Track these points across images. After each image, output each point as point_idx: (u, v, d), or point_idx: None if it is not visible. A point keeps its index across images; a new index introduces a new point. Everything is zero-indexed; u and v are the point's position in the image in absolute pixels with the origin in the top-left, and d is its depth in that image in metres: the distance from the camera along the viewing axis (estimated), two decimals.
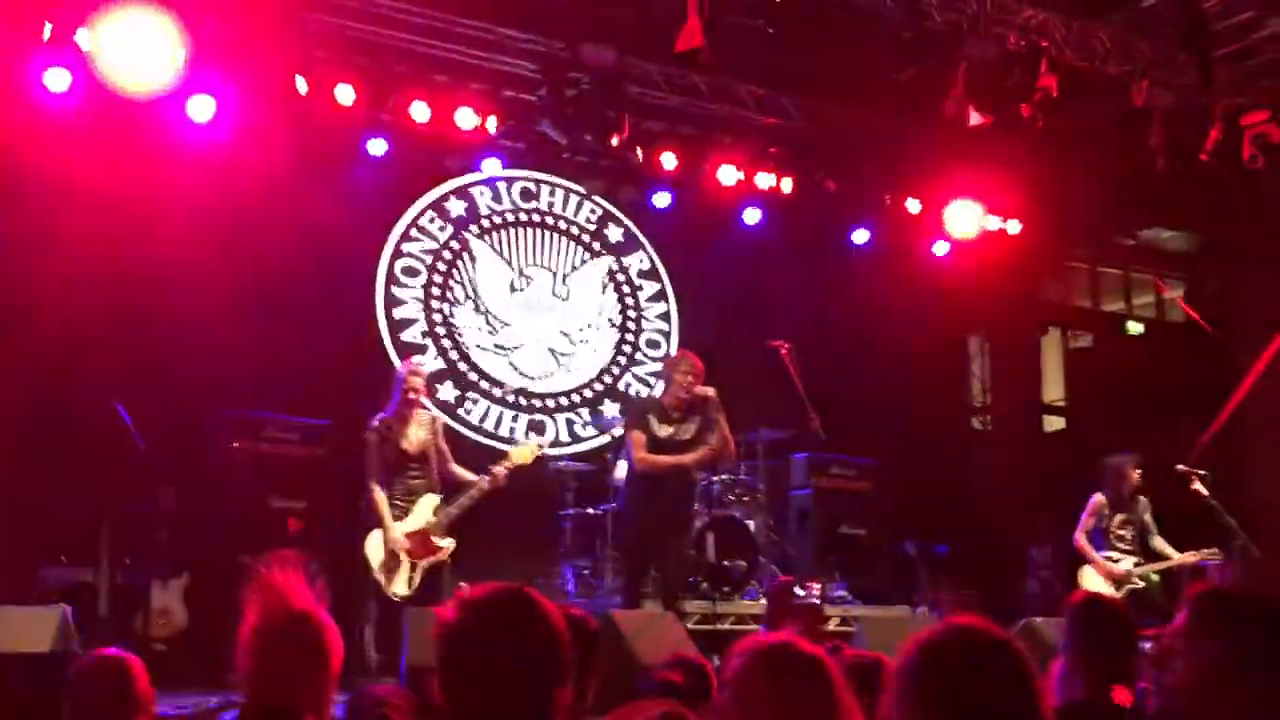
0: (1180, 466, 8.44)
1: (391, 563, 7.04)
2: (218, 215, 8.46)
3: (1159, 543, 8.41)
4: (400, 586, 6.99)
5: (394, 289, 9.86)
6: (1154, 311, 14.39)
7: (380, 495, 7.08)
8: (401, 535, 7.04)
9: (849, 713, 2.38)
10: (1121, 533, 8.39)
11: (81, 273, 7.93)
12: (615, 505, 8.58)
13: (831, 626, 8.17)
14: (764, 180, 10.29)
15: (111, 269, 8.09)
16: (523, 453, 7.43)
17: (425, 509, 7.14)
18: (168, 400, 8.11)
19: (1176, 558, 8.29)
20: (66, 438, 7.94)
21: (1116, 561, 8.31)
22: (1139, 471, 8.40)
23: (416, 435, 7.22)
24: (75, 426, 7.89)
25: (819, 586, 7.47)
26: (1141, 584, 8.25)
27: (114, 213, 8.10)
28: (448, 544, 7.12)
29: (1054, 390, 13.79)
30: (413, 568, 7.04)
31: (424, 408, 7.38)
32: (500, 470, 7.19)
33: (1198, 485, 8.32)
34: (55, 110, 7.93)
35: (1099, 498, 8.44)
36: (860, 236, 10.89)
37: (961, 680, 1.94)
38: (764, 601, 8.59)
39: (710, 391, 7.26)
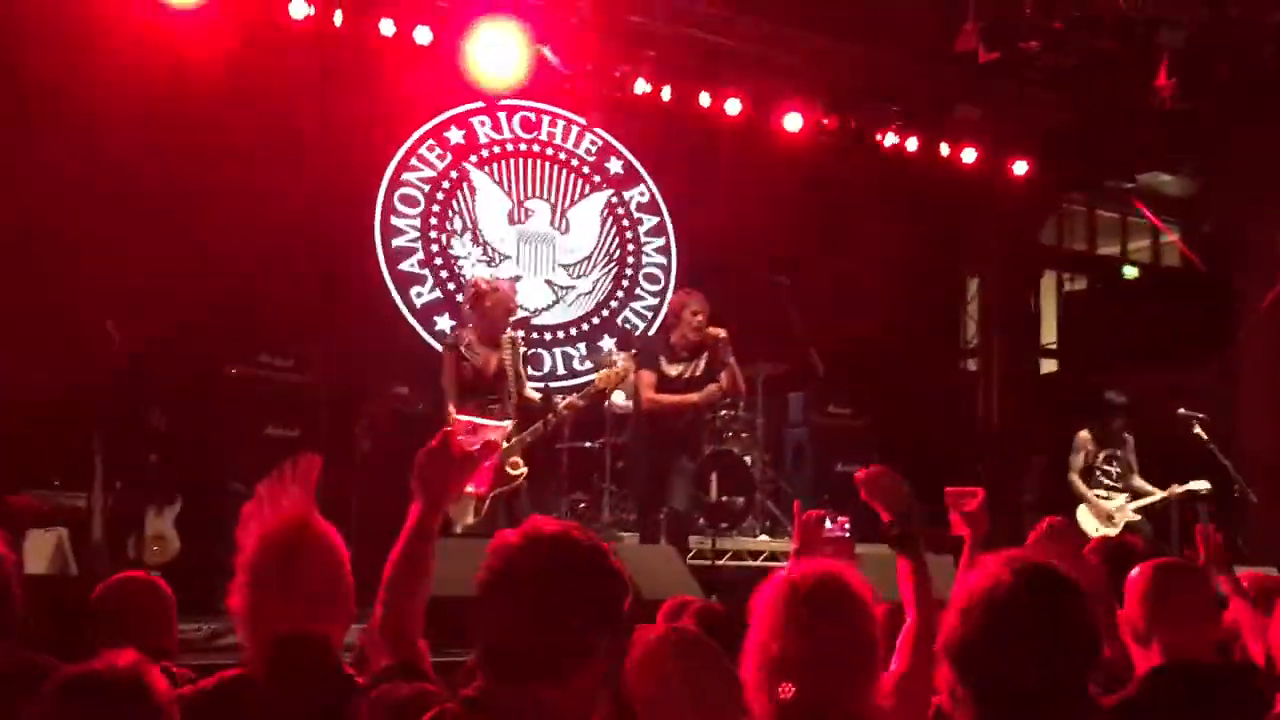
0: (1181, 410, 8.46)
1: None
2: (217, 129, 8.29)
3: (1139, 481, 8.57)
4: (467, 516, 6.56)
5: (392, 219, 9.72)
6: (1150, 255, 14.35)
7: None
8: None
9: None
10: (1107, 468, 8.50)
11: (68, 186, 7.77)
12: (612, 438, 8.55)
13: None
14: (768, 114, 10.14)
15: (98, 181, 7.92)
16: (609, 376, 6.93)
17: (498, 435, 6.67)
18: (163, 322, 7.98)
19: (1160, 493, 8.46)
20: (58, 359, 7.80)
21: (1107, 499, 8.41)
22: (1124, 409, 8.50)
23: (496, 356, 6.84)
24: (69, 347, 7.74)
25: (848, 521, 7.34)
26: (1137, 518, 8.34)
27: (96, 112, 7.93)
28: (520, 472, 6.72)
29: (1048, 333, 13.78)
30: (481, 497, 6.60)
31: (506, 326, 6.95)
32: (577, 400, 6.85)
33: (1198, 429, 8.35)
34: None
35: (1083, 434, 8.64)
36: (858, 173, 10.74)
37: None
38: (762, 538, 8.63)
39: (721, 333, 7.26)
